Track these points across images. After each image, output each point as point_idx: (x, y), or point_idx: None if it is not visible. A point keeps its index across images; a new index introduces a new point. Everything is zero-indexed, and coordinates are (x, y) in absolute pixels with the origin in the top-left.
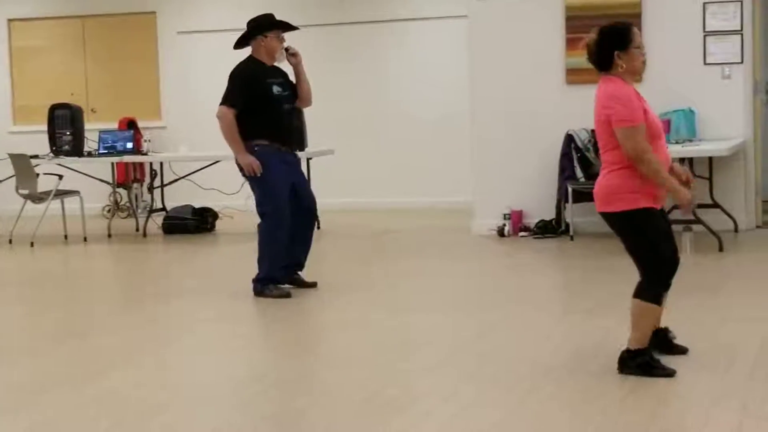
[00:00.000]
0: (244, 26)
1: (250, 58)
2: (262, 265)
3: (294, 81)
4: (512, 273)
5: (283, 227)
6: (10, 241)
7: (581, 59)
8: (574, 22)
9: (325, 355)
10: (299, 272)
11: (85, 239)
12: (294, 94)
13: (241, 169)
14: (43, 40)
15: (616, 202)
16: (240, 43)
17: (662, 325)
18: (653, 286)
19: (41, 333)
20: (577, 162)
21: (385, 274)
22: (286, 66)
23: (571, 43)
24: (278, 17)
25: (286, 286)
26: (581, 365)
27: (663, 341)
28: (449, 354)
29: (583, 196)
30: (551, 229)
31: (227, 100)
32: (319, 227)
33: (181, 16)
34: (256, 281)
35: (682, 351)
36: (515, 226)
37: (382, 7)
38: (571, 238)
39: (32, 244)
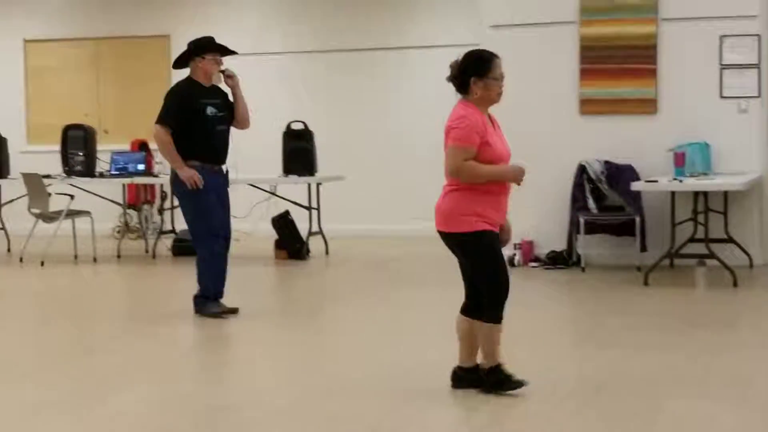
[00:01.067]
0: (256, 50)
1: (187, 78)
2: (201, 282)
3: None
4: (521, 304)
5: (218, 243)
6: (21, 260)
7: (596, 89)
8: (589, 52)
9: (327, 382)
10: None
11: (94, 259)
12: (232, 115)
13: (176, 186)
14: (58, 60)
15: (454, 224)
16: (179, 63)
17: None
18: (494, 310)
19: (47, 351)
20: (589, 193)
21: (389, 302)
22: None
23: (585, 74)
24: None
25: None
26: (588, 396)
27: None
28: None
29: (596, 227)
30: (562, 260)
31: (161, 118)
32: (327, 253)
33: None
34: (196, 298)
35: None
36: (526, 256)
37: (395, 34)
38: (583, 270)
39: (42, 263)
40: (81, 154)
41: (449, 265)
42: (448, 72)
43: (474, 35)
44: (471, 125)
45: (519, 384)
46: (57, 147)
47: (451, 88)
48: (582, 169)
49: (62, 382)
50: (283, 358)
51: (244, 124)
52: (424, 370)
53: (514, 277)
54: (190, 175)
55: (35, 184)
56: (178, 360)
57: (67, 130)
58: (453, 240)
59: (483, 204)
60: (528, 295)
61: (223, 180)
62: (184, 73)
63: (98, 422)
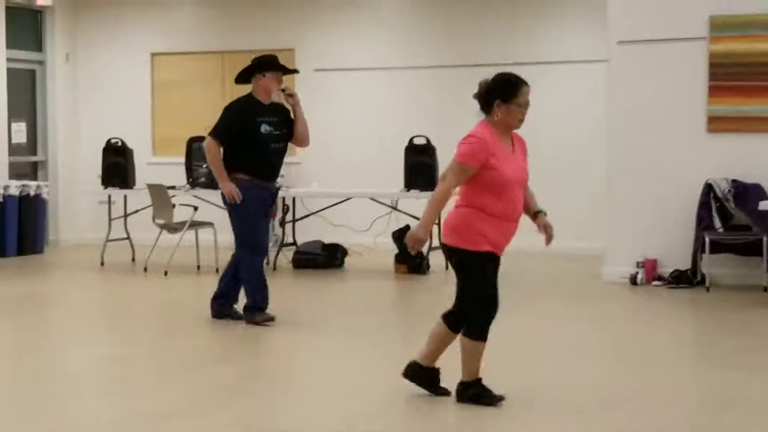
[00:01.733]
0: (380, 65)
1: (248, 95)
2: (249, 295)
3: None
4: (644, 322)
5: (260, 255)
6: (145, 269)
7: (725, 107)
8: (718, 69)
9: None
10: (234, 305)
11: (217, 270)
12: (291, 133)
13: (223, 198)
14: (183, 74)
15: (459, 239)
16: (240, 79)
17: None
18: (478, 328)
19: (170, 362)
20: (715, 212)
21: (509, 317)
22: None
23: (714, 91)
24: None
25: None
26: (710, 418)
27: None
28: (571, 402)
29: (721, 246)
30: (686, 279)
31: (214, 131)
32: (447, 268)
33: (319, 53)
34: (246, 310)
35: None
36: (649, 274)
37: (520, 49)
38: (707, 290)
39: (166, 273)
40: (205, 166)
41: (570, 279)
42: (583, 83)
43: (601, 51)
44: (478, 146)
45: (498, 399)
46: (182, 159)
47: (576, 103)
48: (708, 188)
49: (183, 393)
50: (398, 372)
51: (303, 142)
52: (540, 386)
53: (637, 296)
54: (230, 189)
55: (160, 195)
56: (297, 371)
57: (192, 142)
58: (453, 254)
59: (490, 226)
60: (649, 314)
61: (270, 196)
62: (308, 87)
63: (218, 428)
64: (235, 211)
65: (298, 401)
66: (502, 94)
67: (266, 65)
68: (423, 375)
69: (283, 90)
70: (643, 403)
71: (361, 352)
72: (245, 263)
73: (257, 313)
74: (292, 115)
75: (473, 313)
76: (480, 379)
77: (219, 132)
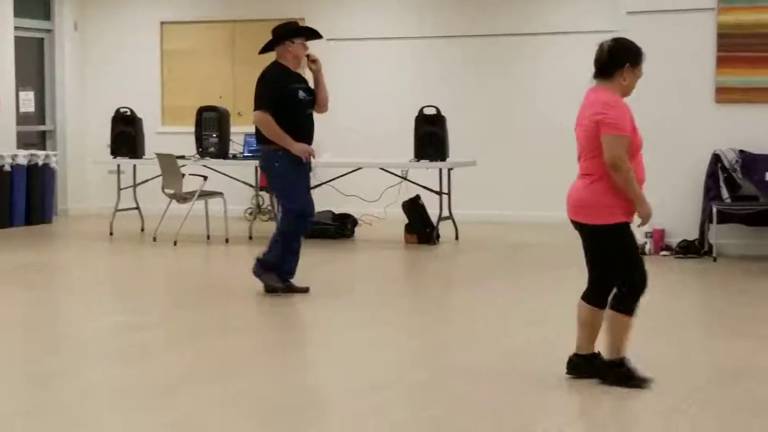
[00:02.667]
0: (390, 35)
1: (276, 63)
2: (272, 250)
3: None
4: (652, 293)
5: (305, 226)
6: (155, 239)
7: (733, 78)
8: (727, 40)
9: (456, 365)
10: (290, 280)
11: (226, 240)
12: (314, 99)
13: (269, 165)
14: (193, 43)
15: (594, 216)
16: (266, 49)
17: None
18: (630, 300)
19: (180, 331)
20: (723, 182)
21: (518, 287)
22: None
23: (722, 62)
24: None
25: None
26: (722, 389)
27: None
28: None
29: (729, 216)
30: (694, 249)
31: (261, 104)
32: (457, 238)
33: (331, 23)
34: (260, 261)
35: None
36: (657, 245)
37: (530, 19)
38: (714, 260)
39: (175, 243)
40: (215, 135)
41: (579, 251)
42: (592, 53)
43: (611, 21)
44: (624, 113)
45: (644, 381)
46: (191, 129)
47: (586, 74)
48: (716, 158)
49: (194, 361)
50: (410, 340)
51: (324, 108)
52: (550, 357)
53: (645, 265)
54: (304, 149)
55: (169, 164)
56: (308, 340)
57: (202, 111)
58: (592, 231)
59: (624, 195)
60: (658, 284)
61: (308, 163)
62: (319, 57)
63: (229, 400)
64: (282, 177)
65: (310, 372)
66: (633, 59)
67: (294, 32)
68: (619, 370)
69: (307, 56)
70: (653, 374)
71: (374, 322)
72: (286, 227)
73: (269, 274)
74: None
75: (632, 287)
76: (625, 358)
77: (265, 103)
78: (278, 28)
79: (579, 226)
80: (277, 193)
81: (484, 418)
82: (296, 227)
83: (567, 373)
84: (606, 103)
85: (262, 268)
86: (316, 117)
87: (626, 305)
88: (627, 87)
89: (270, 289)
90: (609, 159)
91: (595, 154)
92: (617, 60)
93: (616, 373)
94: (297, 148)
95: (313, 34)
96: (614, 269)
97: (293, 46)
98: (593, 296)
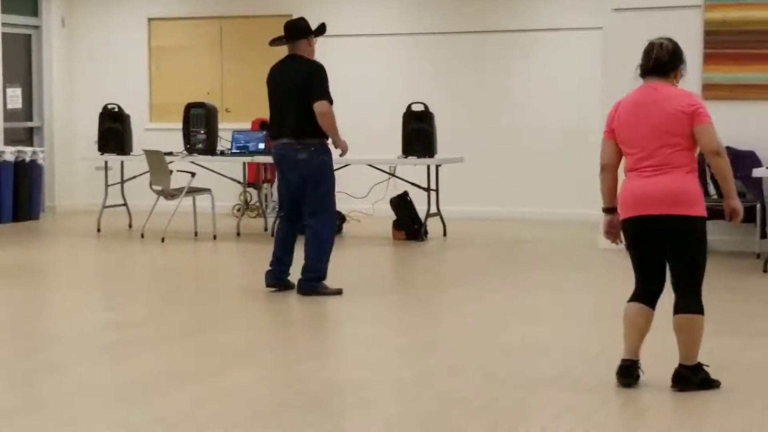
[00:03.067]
0: (378, 31)
1: (303, 56)
2: (323, 263)
3: None
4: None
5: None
6: (142, 236)
7: (719, 74)
8: (714, 37)
9: (444, 362)
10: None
11: (214, 237)
12: None
13: (325, 164)
14: (181, 39)
15: (694, 207)
16: (280, 41)
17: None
18: (700, 298)
19: (168, 327)
20: (710, 179)
21: (507, 284)
22: None
23: (709, 59)
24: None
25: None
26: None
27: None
28: (567, 367)
29: (715, 213)
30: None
31: (327, 95)
32: (445, 234)
33: (318, 19)
34: (316, 280)
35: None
36: None
37: (517, 16)
38: None
39: (163, 240)
40: (202, 132)
41: (567, 247)
42: (579, 49)
43: (598, 18)
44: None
45: (718, 384)
46: (179, 125)
47: (572, 71)
48: (702, 155)
49: (182, 358)
50: (399, 337)
51: None
52: (540, 354)
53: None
54: (347, 145)
55: (157, 161)
56: (297, 337)
57: (189, 108)
58: (680, 223)
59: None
60: None
61: None
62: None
63: (217, 397)
64: (330, 178)
65: (298, 369)
66: (684, 59)
67: (316, 30)
68: (700, 375)
69: None
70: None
71: (363, 319)
72: (329, 230)
73: (323, 282)
74: None
75: (697, 282)
76: (700, 362)
77: (329, 95)
78: (301, 22)
79: (673, 219)
80: (329, 195)
81: (475, 415)
82: (333, 225)
83: (622, 383)
84: (690, 95)
85: (317, 281)
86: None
87: (700, 306)
88: (676, 86)
89: (334, 293)
90: (714, 146)
91: (684, 147)
92: (676, 60)
93: (701, 378)
94: (343, 143)
95: (322, 32)
96: (702, 263)
97: (314, 43)
98: (651, 298)
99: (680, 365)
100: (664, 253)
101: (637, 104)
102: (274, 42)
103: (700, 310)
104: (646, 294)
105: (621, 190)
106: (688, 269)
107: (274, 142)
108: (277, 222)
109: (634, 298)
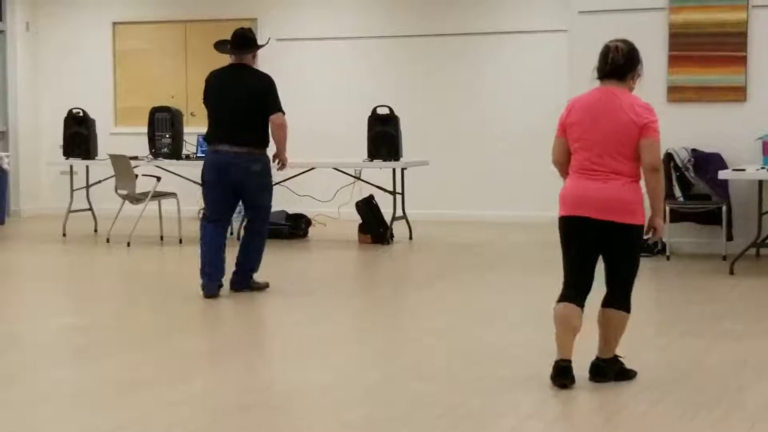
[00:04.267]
0: (342, 35)
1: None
2: (258, 259)
3: None
4: (604, 291)
5: None
6: (108, 240)
7: (684, 77)
8: (678, 39)
9: (409, 365)
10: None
11: (180, 241)
12: None
13: (266, 171)
14: (145, 43)
15: (636, 215)
16: (226, 47)
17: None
18: (629, 299)
19: (133, 331)
20: (675, 181)
21: (473, 286)
22: None
23: (674, 61)
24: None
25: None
26: (673, 386)
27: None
28: (532, 370)
29: (682, 215)
30: (647, 248)
31: (281, 108)
32: (411, 237)
33: (282, 23)
34: (249, 278)
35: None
36: None
37: (481, 19)
38: (668, 258)
39: (129, 244)
40: (168, 136)
41: (533, 250)
42: (544, 52)
43: (563, 21)
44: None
45: (633, 374)
46: (144, 129)
47: (536, 74)
48: (668, 157)
49: (147, 362)
50: (364, 340)
51: None
52: (503, 356)
53: (598, 264)
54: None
55: (122, 165)
56: (261, 340)
57: (154, 112)
58: (631, 231)
59: None
60: None
61: None
62: (269, 57)
63: (182, 401)
64: (269, 183)
65: (264, 372)
66: (640, 61)
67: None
68: (617, 365)
69: None
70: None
71: (328, 322)
72: (265, 232)
73: (250, 278)
74: None
75: (630, 284)
76: (617, 356)
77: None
78: (250, 33)
79: (614, 226)
80: (270, 199)
81: (442, 419)
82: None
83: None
84: (646, 107)
85: (248, 278)
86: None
87: (628, 304)
88: (632, 89)
89: (261, 287)
90: (654, 162)
91: (629, 156)
92: (633, 62)
93: (617, 369)
94: (286, 156)
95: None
96: (635, 268)
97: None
98: (619, 298)
99: (597, 358)
100: (600, 254)
101: (592, 107)
102: (219, 47)
103: (629, 310)
104: (577, 293)
105: (564, 188)
106: (625, 271)
107: (217, 146)
108: (204, 227)
109: (564, 298)
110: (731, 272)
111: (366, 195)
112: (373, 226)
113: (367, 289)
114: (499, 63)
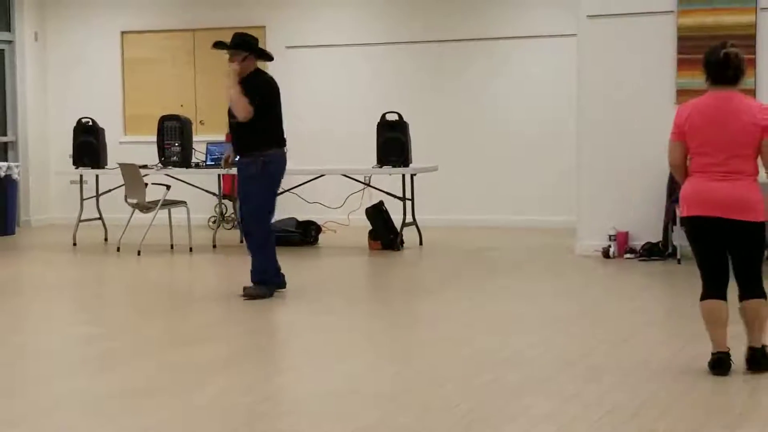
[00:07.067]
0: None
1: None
2: (264, 267)
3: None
4: (617, 295)
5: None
6: (118, 249)
7: (693, 80)
8: (687, 42)
9: (421, 370)
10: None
11: (190, 249)
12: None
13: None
14: (154, 52)
15: (759, 213)
16: (222, 45)
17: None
18: (762, 284)
19: (146, 340)
20: None
21: (484, 292)
22: None
23: (682, 64)
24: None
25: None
26: (686, 391)
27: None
28: (545, 375)
29: None
30: (658, 251)
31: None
32: (421, 243)
33: (291, 30)
34: (258, 284)
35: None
36: (621, 247)
37: (491, 24)
38: (678, 262)
39: (139, 253)
40: (177, 144)
41: (544, 254)
42: (554, 57)
43: (572, 25)
44: None
45: None
46: (153, 138)
47: (546, 78)
48: None
49: (161, 370)
50: (376, 347)
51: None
52: (515, 361)
53: (609, 268)
54: None
55: (132, 174)
56: (273, 348)
57: (164, 120)
58: (746, 228)
59: None
60: (622, 287)
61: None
62: (279, 65)
63: (196, 408)
64: (262, 181)
65: (276, 379)
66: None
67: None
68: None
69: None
70: (617, 376)
71: (340, 329)
72: (263, 233)
73: (265, 287)
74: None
75: (761, 273)
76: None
77: None
78: (247, 37)
79: (740, 224)
80: (256, 198)
81: (454, 424)
82: (269, 229)
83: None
84: (762, 109)
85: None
86: None
87: (764, 290)
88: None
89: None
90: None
91: (750, 156)
92: (743, 67)
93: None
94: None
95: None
96: (755, 262)
97: (252, 61)
98: (753, 287)
99: (751, 348)
100: (728, 250)
101: (713, 112)
102: (224, 47)
103: (765, 295)
104: (717, 287)
105: (685, 189)
106: (750, 263)
107: (283, 150)
108: (270, 231)
109: (706, 295)
110: None
111: (376, 201)
112: (383, 233)
113: (377, 296)
114: (509, 68)
